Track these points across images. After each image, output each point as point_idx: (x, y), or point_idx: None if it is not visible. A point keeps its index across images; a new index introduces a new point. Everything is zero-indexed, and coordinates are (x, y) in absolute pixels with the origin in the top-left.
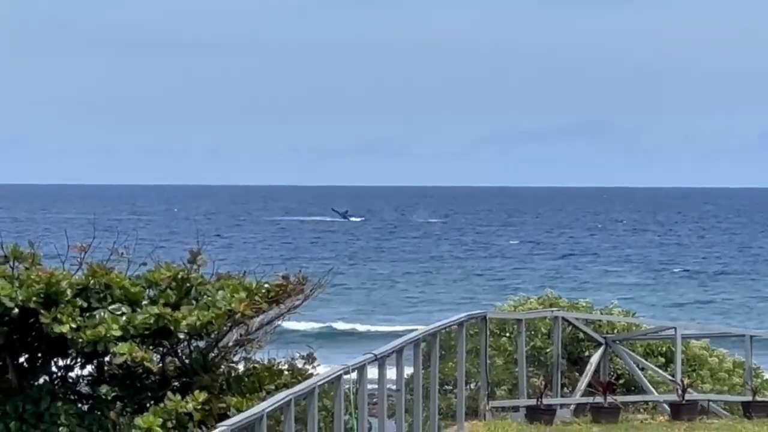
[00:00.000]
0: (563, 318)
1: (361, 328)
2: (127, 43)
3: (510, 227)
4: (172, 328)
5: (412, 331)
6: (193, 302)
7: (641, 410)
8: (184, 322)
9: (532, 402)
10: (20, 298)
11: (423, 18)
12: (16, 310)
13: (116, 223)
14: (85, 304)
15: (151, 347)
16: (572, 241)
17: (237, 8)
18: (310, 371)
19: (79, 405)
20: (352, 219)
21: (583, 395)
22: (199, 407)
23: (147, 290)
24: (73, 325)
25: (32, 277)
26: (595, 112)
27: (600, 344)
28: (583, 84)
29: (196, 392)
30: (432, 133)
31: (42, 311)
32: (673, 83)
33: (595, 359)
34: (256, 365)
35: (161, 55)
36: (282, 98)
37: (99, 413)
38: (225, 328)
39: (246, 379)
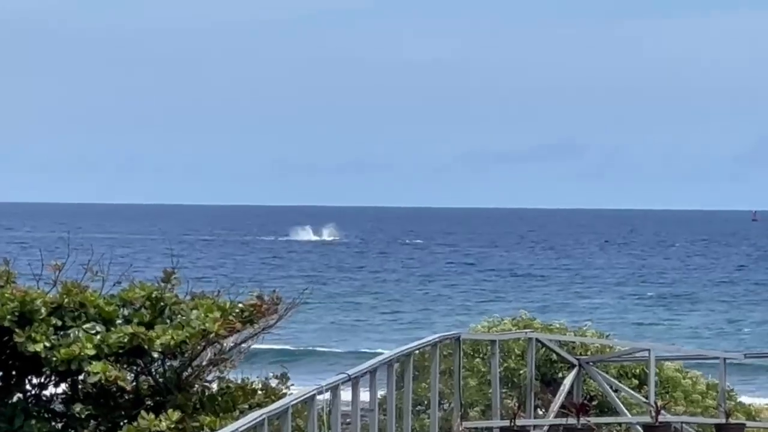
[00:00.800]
0: (537, 339)
1: (333, 348)
2: (107, 58)
3: (482, 248)
4: (146, 347)
5: (384, 351)
6: (167, 321)
7: None
8: (158, 341)
9: (506, 423)
10: None
11: (400, 39)
12: None
13: (91, 242)
14: (60, 323)
15: (125, 366)
16: (542, 263)
17: (219, 25)
18: (283, 391)
19: (53, 423)
20: (327, 238)
21: (556, 417)
22: (172, 426)
23: (121, 309)
24: (48, 344)
25: (6, 295)
26: (570, 134)
27: (573, 366)
28: (558, 105)
29: (170, 411)
30: (406, 154)
31: (16, 330)
32: (649, 105)
33: (568, 381)
34: (230, 384)
35: (139, 69)
36: (262, 117)
37: (73, 431)
38: (199, 347)
39: (220, 399)
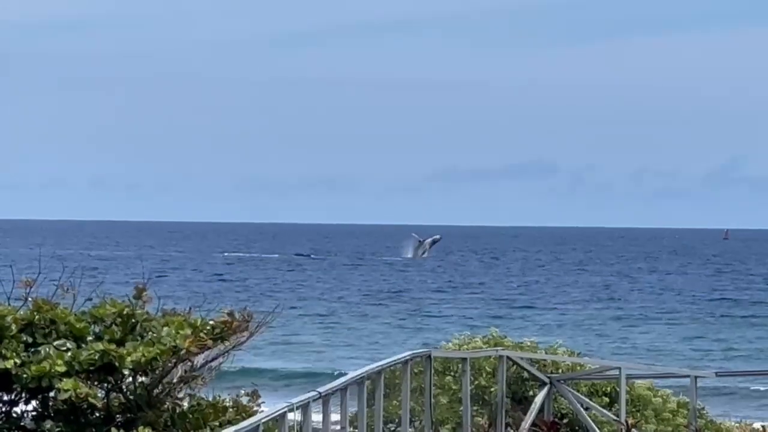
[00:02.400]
0: (508, 357)
1: (304, 366)
2: (76, 77)
3: (451, 267)
4: (116, 364)
5: (355, 369)
6: (138, 338)
7: None
8: (128, 358)
9: None
10: None
11: (370, 58)
12: None
13: (63, 258)
14: (30, 340)
15: (95, 383)
16: (505, 281)
17: (188, 46)
18: (254, 408)
19: None
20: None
21: None
22: None
23: (92, 326)
24: (18, 361)
25: None
26: (542, 152)
27: (544, 384)
28: (530, 123)
29: (141, 428)
30: (377, 172)
31: None
32: (621, 124)
33: (539, 399)
34: (201, 402)
35: (109, 90)
36: (232, 135)
37: None
38: (170, 364)
39: (190, 416)
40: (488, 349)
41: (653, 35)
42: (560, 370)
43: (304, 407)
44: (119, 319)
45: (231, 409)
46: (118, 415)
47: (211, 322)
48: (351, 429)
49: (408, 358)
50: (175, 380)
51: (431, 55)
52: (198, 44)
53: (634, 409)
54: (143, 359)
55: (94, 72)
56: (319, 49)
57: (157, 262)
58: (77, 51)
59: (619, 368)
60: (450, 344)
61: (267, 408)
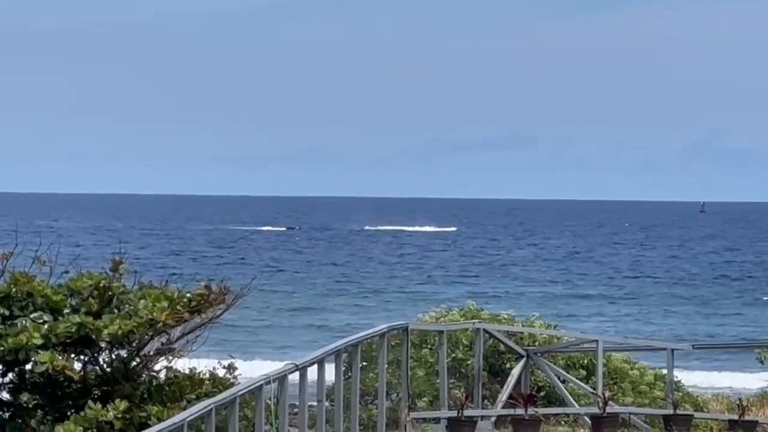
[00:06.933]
0: (485, 330)
1: (279, 340)
2: (54, 50)
3: (426, 239)
4: (93, 336)
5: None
6: (115, 311)
7: (562, 423)
8: (105, 331)
9: (453, 414)
10: None
11: (347, 29)
12: None
13: (40, 231)
14: (7, 312)
15: (72, 356)
16: (478, 253)
17: (164, 17)
18: (231, 381)
19: (0, 413)
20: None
21: (504, 407)
22: (120, 416)
23: (69, 299)
24: None
25: None
26: (519, 125)
27: (521, 356)
28: (507, 97)
29: (117, 401)
30: (356, 145)
31: None
32: (599, 97)
33: (516, 371)
34: (178, 374)
35: (85, 63)
36: (208, 107)
37: (20, 421)
38: (146, 337)
39: (167, 388)
40: (465, 322)
41: (633, 8)
42: (537, 343)
43: (281, 379)
44: (96, 292)
45: (207, 382)
46: (94, 388)
47: (187, 295)
48: (328, 401)
49: (385, 330)
50: (151, 353)
51: (409, 28)
52: (172, 17)
53: (611, 382)
54: (120, 332)
55: (74, 43)
56: (299, 21)
57: (135, 234)
58: (51, 26)
59: (597, 341)
60: (427, 317)
61: (244, 380)
